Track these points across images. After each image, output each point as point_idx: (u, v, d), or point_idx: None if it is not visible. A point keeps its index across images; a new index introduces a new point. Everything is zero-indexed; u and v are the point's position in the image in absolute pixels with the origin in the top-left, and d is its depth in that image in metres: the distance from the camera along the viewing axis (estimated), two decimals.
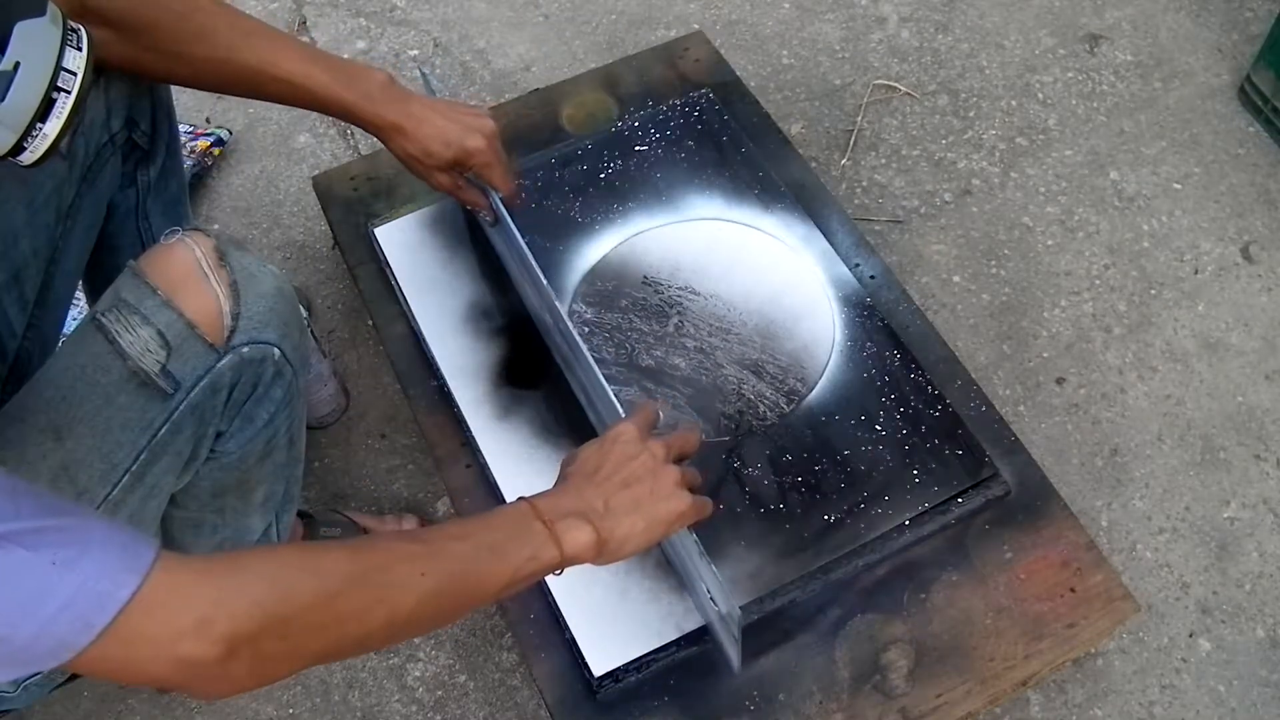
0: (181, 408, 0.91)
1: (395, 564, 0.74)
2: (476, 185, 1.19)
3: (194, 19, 1.00)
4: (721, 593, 0.95)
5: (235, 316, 0.91)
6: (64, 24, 0.75)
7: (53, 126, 0.73)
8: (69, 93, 0.73)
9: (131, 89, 1.08)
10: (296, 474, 1.13)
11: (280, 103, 1.09)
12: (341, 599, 0.70)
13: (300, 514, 1.30)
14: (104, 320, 0.89)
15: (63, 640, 0.60)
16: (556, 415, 1.24)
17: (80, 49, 0.75)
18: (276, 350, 0.95)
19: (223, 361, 0.91)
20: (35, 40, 0.72)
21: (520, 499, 0.84)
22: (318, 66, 1.06)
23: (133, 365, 0.88)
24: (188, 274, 0.90)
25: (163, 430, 0.90)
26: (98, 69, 0.88)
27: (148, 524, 0.96)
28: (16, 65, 0.70)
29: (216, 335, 0.90)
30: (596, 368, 1.03)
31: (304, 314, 1.07)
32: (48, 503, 0.63)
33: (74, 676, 1.04)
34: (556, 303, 1.11)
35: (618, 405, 0.99)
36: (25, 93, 0.72)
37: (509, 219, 1.17)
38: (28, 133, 0.73)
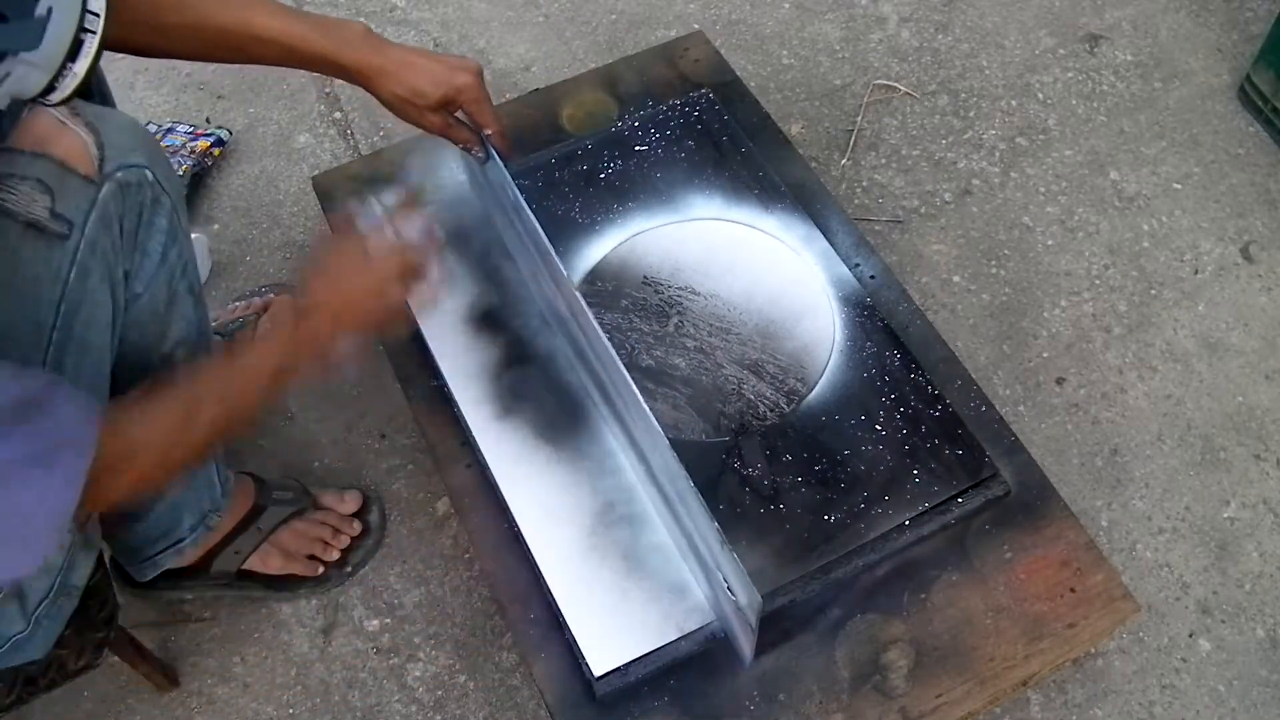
0: (81, 247, 0.96)
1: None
2: (465, 125, 1.19)
3: None
4: (741, 582, 0.94)
5: (101, 147, 0.97)
6: None
7: (81, 65, 0.77)
8: (94, 33, 0.77)
9: None
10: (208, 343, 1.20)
11: (262, 63, 1.09)
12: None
13: (254, 477, 1.35)
14: None
15: None
16: (556, 415, 1.24)
17: None
18: (149, 172, 1.01)
19: (104, 191, 0.97)
20: None
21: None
22: (294, 20, 1.07)
23: (23, 218, 0.93)
24: (47, 128, 0.96)
25: (72, 275, 0.96)
26: None
27: (97, 390, 1.01)
28: (50, 10, 0.73)
29: (89, 168, 0.96)
30: (593, 317, 1.04)
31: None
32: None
33: (80, 609, 1.05)
34: (554, 252, 1.10)
35: (621, 368, 1.00)
36: (58, 36, 0.75)
37: (497, 156, 1.18)
38: (59, 74, 0.77)
